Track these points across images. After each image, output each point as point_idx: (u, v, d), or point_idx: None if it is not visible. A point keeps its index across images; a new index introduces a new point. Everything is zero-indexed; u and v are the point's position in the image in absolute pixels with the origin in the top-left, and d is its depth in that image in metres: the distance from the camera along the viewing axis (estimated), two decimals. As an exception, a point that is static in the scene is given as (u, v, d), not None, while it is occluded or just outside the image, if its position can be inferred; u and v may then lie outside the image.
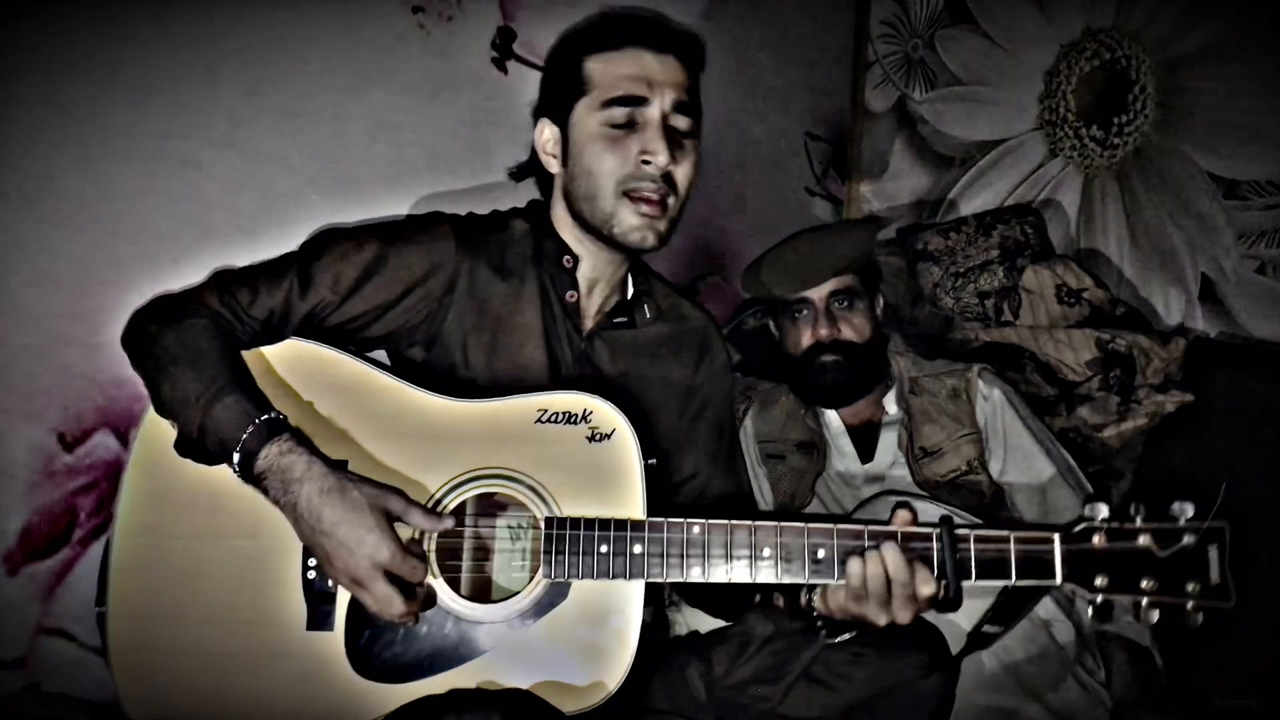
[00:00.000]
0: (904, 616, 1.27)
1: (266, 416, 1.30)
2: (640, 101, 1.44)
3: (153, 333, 1.36)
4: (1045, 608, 1.83)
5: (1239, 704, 1.89)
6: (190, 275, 1.48)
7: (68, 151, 1.72)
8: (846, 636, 1.38)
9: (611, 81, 1.44)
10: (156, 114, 1.80)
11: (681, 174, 1.47)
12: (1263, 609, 1.93)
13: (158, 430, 1.37)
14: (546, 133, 1.54)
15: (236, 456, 1.28)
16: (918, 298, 2.66)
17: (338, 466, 1.32)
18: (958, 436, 2.04)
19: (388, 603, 1.26)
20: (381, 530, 1.26)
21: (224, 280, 1.42)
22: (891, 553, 1.26)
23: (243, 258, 1.48)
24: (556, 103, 1.51)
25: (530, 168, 1.63)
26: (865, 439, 2.12)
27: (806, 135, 3.00)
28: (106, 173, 1.76)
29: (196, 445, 1.32)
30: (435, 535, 1.36)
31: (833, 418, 2.14)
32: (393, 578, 1.27)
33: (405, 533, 1.32)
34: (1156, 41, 2.45)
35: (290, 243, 1.49)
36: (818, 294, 2.04)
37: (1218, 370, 2.19)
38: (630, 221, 1.45)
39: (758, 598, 1.50)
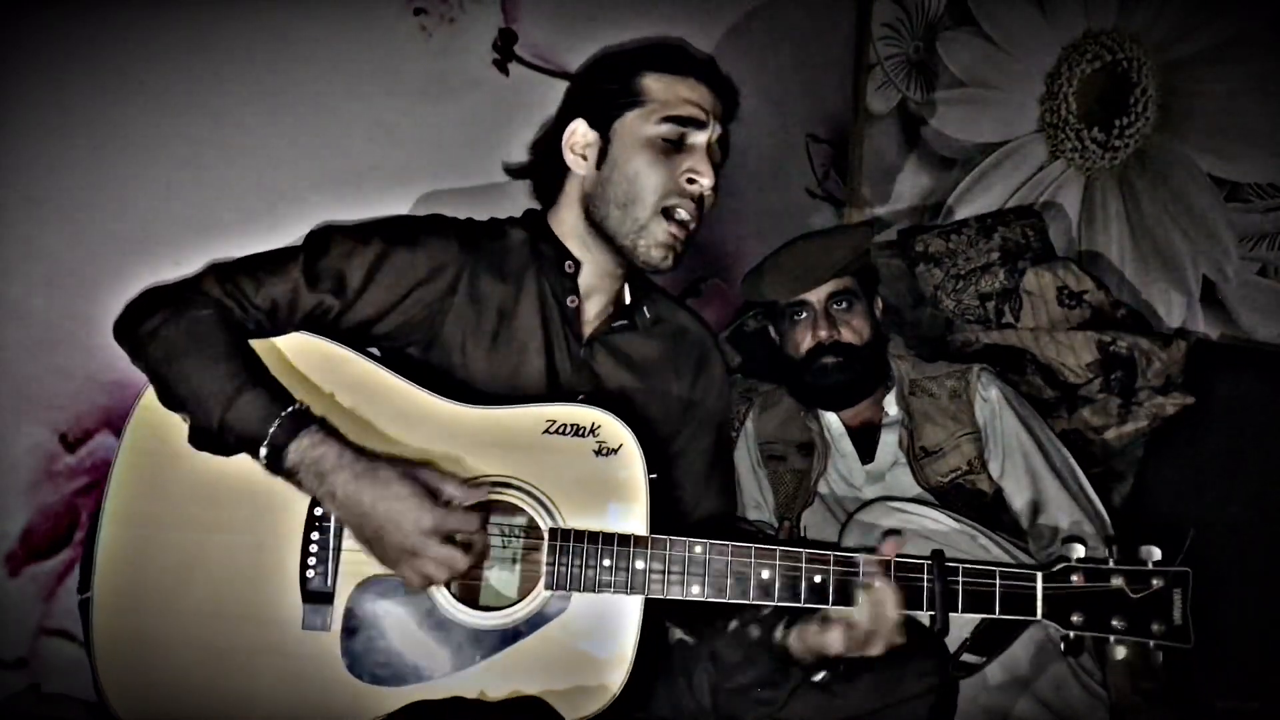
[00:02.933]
0: (876, 649, 1.34)
1: (291, 409, 1.29)
2: (697, 125, 1.49)
3: (155, 326, 1.34)
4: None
5: (1240, 705, 1.89)
6: (192, 276, 1.47)
7: (70, 152, 1.73)
8: (821, 676, 1.42)
9: (674, 100, 1.50)
10: (159, 115, 1.80)
11: (707, 202, 1.52)
12: (1264, 609, 1.94)
13: (154, 418, 1.35)
14: (581, 133, 1.54)
15: (264, 451, 1.27)
16: (919, 300, 2.66)
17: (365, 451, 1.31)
18: (958, 436, 2.04)
19: (451, 561, 1.27)
20: (418, 497, 1.26)
21: (224, 270, 1.40)
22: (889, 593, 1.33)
23: (244, 259, 1.47)
24: (599, 108, 1.52)
25: (532, 170, 1.63)
26: (866, 440, 2.12)
27: (808, 137, 3.00)
28: (108, 173, 1.76)
29: (216, 439, 1.30)
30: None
31: (833, 419, 2.15)
32: (447, 536, 1.27)
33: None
34: (1158, 43, 2.44)
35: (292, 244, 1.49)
36: (816, 296, 2.05)
37: (1219, 373, 2.19)
38: (659, 238, 1.49)
39: (734, 624, 1.51)
